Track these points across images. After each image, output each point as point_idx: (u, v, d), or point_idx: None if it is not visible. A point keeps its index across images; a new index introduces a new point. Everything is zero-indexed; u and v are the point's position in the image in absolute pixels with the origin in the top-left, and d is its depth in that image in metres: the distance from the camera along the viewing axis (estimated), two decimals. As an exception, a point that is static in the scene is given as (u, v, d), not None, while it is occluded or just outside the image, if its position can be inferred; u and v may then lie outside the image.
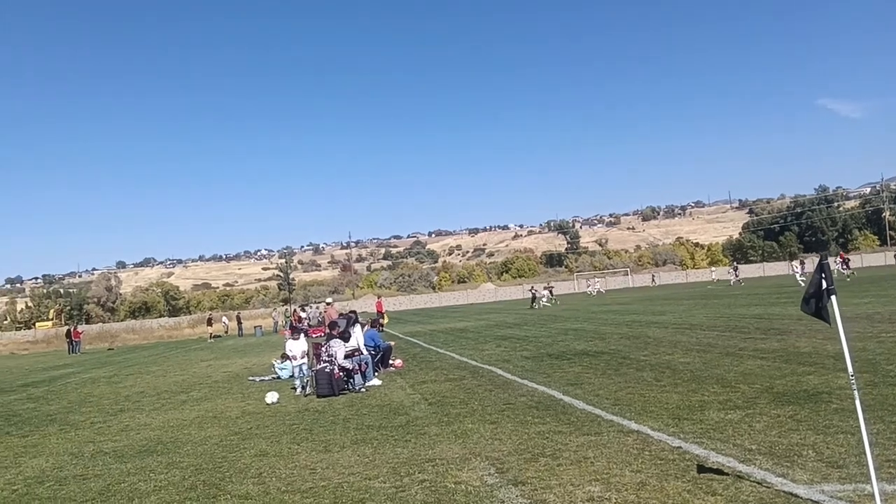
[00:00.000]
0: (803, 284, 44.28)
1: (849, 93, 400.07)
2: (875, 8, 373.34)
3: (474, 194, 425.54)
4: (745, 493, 5.36)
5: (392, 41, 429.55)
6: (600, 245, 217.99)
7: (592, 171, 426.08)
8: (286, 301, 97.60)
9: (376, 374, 14.77)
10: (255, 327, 53.74)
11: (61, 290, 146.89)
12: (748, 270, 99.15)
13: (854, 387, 5.16)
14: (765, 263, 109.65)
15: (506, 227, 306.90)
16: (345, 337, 14.58)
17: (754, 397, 8.90)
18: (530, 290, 54.57)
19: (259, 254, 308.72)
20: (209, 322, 55.82)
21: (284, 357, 17.53)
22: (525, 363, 15.11)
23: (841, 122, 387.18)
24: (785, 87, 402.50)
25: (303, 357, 15.02)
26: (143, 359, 33.49)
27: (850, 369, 5.18)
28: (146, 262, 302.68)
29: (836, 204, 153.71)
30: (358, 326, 15.95)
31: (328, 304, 31.58)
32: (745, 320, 20.62)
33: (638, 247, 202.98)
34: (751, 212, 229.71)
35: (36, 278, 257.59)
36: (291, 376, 15.71)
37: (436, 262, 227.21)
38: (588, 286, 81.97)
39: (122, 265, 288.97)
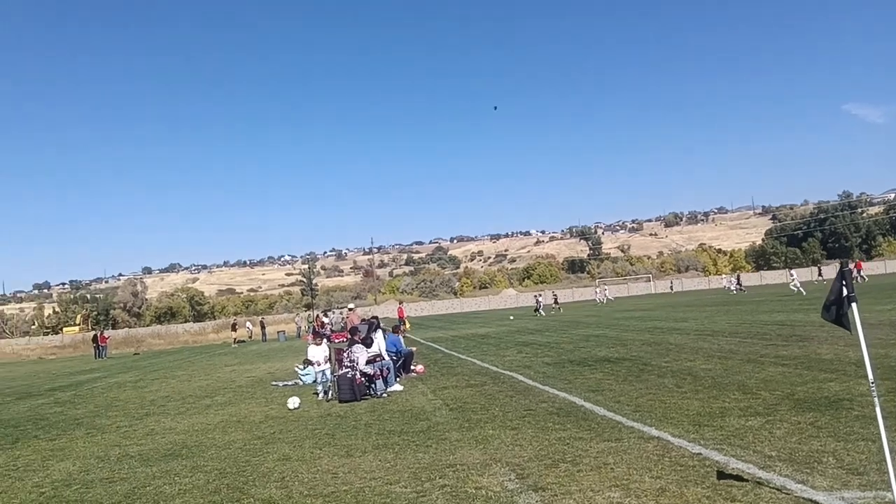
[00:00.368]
0: (795, 291, 43.76)
1: (873, 98, 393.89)
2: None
3: (496, 200, 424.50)
4: (764, 499, 5.36)
5: (416, 46, 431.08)
6: (623, 251, 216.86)
7: (615, 177, 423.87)
8: (309, 306, 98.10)
9: (398, 379, 14.85)
10: (278, 332, 54.16)
11: (88, 296, 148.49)
12: (772, 277, 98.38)
13: (875, 394, 5.15)
14: (787, 270, 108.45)
15: (528, 233, 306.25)
16: (367, 343, 14.68)
17: (775, 404, 8.87)
18: (535, 297, 58.35)
19: (283, 259, 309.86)
20: (233, 327, 56.39)
21: (307, 362, 17.67)
22: (546, 369, 15.12)
23: (865, 127, 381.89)
24: (809, 92, 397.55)
25: (326, 362, 15.13)
26: (168, 363, 33.85)
27: (870, 376, 5.18)
28: (171, 268, 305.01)
29: (859, 210, 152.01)
30: (380, 332, 16.05)
31: (350, 309, 31.69)
32: (767, 327, 20.48)
33: (660, 253, 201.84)
34: (774, 218, 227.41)
35: (63, 284, 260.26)
36: (314, 381, 15.82)
37: (457, 267, 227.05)
38: (597, 293, 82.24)
39: (147, 271, 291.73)
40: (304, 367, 17.41)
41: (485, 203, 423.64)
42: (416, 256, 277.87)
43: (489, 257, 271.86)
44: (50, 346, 73.97)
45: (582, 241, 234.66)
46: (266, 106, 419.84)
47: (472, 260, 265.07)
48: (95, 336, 52.74)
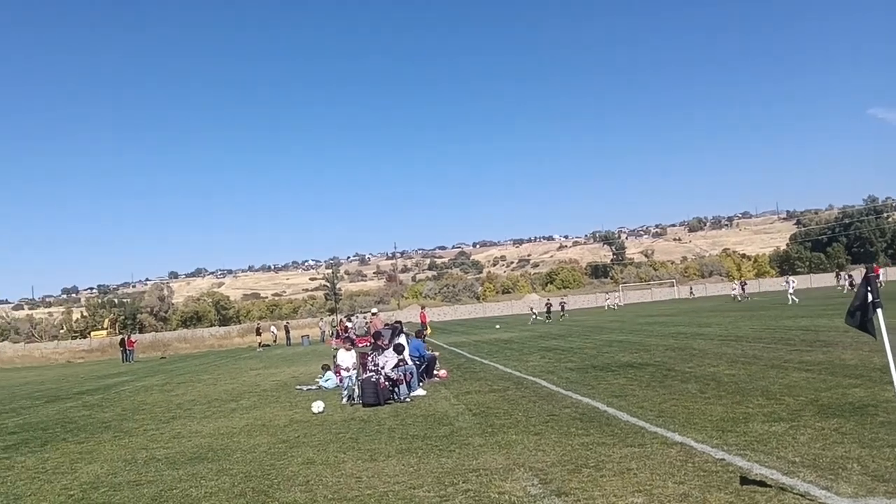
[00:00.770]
0: (792, 300, 42.95)
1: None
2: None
3: (519, 205, 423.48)
4: (787, 505, 5.36)
5: (435, 50, 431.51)
6: (646, 256, 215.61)
7: (638, 182, 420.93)
8: (332, 311, 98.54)
9: (421, 384, 14.90)
10: (302, 337, 54.47)
11: (115, 300, 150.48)
12: (798, 281, 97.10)
13: (898, 400, 5.14)
14: (811, 275, 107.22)
15: (550, 238, 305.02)
16: (398, 349, 14.72)
17: (799, 410, 8.82)
18: (545, 303, 60.63)
19: (306, 264, 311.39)
20: (258, 331, 56.80)
21: (326, 368, 17.82)
22: (569, 375, 15.11)
23: (891, 131, 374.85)
24: (834, 96, 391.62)
25: (354, 368, 15.24)
26: (194, 367, 34.17)
27: None
28: (197, 273, 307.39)
29: (885, 215, 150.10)
30: (403, 336, 16.11)
31: (373, 314, 31.81)
32: (791, 332, 20.31)
33: (684, 258, 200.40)
34: (798, 223, 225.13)
35: (91, 288, 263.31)
36: (337, 386, 15.92)
37: (480, 272, 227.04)
38: (606, 300, 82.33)
39: (174, 275, 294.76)
40: (324, 373, 17.54)
41: (508, 208, 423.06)
42: (438, 261, 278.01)
43: (512, 262, 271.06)
44: (78, 350, 74.85)
45: (605, 245, 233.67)
46: (291, 113, 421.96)
47: (494, 265, 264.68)
48: (123, 340, 53.30)
